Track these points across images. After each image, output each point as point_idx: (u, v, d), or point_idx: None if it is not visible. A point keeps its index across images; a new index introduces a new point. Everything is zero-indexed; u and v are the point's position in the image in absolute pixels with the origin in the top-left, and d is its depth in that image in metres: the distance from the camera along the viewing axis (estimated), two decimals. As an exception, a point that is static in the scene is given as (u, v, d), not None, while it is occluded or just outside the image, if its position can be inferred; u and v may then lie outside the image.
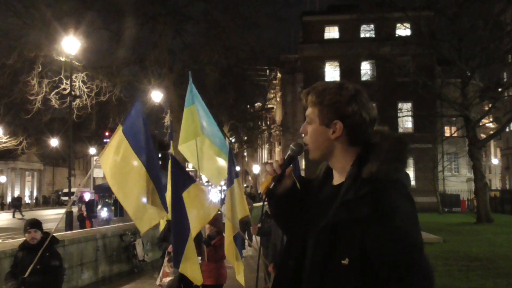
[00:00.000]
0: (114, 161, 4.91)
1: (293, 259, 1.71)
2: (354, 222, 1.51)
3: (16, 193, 59.85)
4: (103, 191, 31.21)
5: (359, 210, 1.51)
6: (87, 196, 28.17)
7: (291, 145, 1.82)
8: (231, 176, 5.77)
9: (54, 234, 5.24)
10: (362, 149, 1.67)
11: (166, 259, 6.78)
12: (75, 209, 21.71)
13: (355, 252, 1.50)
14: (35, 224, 5.17)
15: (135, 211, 4.91)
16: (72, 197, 21.95)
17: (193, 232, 4.94)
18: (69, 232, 13.50)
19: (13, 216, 34.28)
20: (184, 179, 5.05)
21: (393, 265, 1.47)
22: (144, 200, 4.82)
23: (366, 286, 1.48)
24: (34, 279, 4.81)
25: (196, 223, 4.89)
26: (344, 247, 1.52)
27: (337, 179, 1.72)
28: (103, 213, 23.46)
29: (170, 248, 6.36)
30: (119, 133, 4.93)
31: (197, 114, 5.76)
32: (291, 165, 1.80)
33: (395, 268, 1.46)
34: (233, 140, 44.33)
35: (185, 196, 4.84)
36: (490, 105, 29.07)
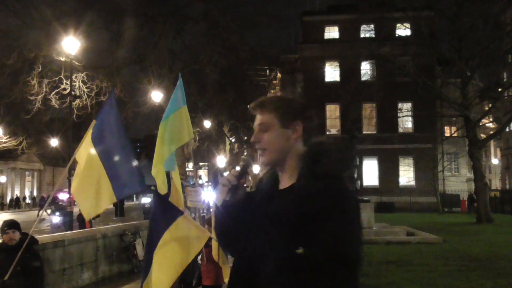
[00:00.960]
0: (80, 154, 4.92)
1: (245, 271, 1.80)
2: (312, 214, 1.64)
3: (16, 193, 59.87)
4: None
5: (319, 203, 1.65)
6: (63, 197, 27.31)
7: (242, 157, 1.93)
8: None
9: (57, 235, 5.19)
10: (311, 150, 1.83)
11: None
12: (76, 209, 21.69)
13: (309, 241, 1.62)
14: (13, 224, 5.02)
15: (84, 197, 4.87)
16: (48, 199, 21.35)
17: (184, 264, 4.59)
18: (69, 232, 13.51)
19: (38, 216, 33.91)
20: (171, 212, 4.80)
21: (345, 257, 1.61)
22: (94, 187, 4.79)
23: (316, 275, 1.59)
24: (15, 281, 4.65)
25: (186, 254, 4.63)
26: (300, 237, 1.63)
27: (286, 182, 1.84)
28: (55, 218, 20.83)
29: None
30: (91, 127, 4.94)
31: (188, 115, 5.71)
32: (244, 177, 1.87)
33: (346, 259, 1.61)
34: (233, 140, 44.30)
35: (172, 229, 4.63)
36: (490, 105, 29.07)
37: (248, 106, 1.95)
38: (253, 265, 1.76)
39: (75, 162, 5.23)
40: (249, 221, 1.82)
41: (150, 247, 4.66)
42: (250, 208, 1.85)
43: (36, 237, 5.26)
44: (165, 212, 4.66)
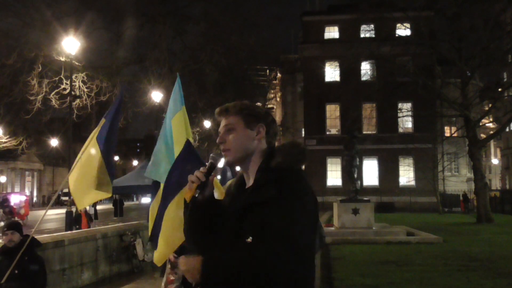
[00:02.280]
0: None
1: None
2: (261, 203, 1.73)
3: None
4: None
5: (267, 192, 1.74)
6: (15, 199, 26.83)
7: (211, 155, 2.02)
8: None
9: (56, 234, 5.17)
10: (269, 147, 1.96)
11: (168, 266, 6.73)
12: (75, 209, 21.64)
13: (257, 230, 1.69)
14: (13, 225, 4.92)
15: (79, 187, 4.88)
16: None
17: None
18: (69, 232, 13.52)
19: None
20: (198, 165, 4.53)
21: (289, 244, 1.64)
22: (91, 179, 4.80)
23: (265, 263, 1.63)
24: (11, 285, 4.50)
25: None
26: (249, 226, 1.72)
27: (250, 181, 1.93)
28: None
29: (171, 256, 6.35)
30: (100, 126, 5.01)
31: (186, 116, 5.68)
32: (212, 173, 1.96)
33: (290, 246, 1.63)
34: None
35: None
36: (490, 105, 29.06)
37: (215, 112, 2.05)
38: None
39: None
40: (215, 220, 1.89)
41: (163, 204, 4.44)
42: (217, 207, 1.93)
43: (36, 237, 5.20)
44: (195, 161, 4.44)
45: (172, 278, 6.52)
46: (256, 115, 1.96)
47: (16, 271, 4.55)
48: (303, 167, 1.98)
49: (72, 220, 17.24)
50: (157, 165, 5.02)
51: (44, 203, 58.80)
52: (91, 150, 4.91)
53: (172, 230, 4.32)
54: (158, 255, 4.54)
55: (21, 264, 4.59)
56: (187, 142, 4.68)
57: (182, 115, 5.45)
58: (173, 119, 5.33)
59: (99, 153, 4.85)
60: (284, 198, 1.71)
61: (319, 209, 1.87)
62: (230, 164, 2.01)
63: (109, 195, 5.09)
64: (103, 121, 5.01)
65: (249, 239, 1.70)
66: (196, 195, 1.91)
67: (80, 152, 4.99)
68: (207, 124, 33.25)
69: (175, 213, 4.30)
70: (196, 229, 1.94)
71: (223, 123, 1.99)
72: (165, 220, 4.39)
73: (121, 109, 5.26)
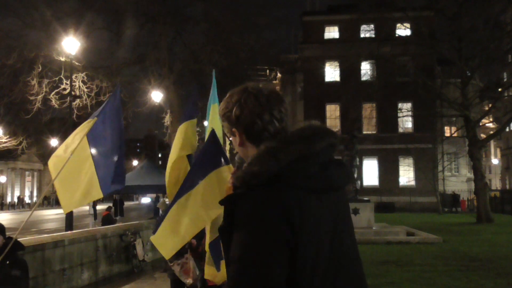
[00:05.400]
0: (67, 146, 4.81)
1: None
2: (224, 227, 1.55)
3: (16, 193, 59.89)
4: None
5: (223, 220, 1.55)
6: None
7: (236, 159, 1.92)
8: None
9: (57, 234, 5.06)
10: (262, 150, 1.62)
11: (178, 269, 6.67)
12: (75, 209, 21.63)
13: (226, 252, 1.55)
14: None
15: (66, 190, 4.70)
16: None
17: (208, 219, 4.18)
18: (69, 232, 13.51)
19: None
20: (220, 157, 4.36)
21: (229, 267, 1.48)
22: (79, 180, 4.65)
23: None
24: None
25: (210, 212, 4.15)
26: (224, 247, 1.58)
27: None
28: None
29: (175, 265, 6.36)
30: (89, 127, 4.84)
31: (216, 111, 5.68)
32: None
33: (230, 270, 1.48)
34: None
35: (212, 176, 4.22)
36: (490, 105, 29.06)
37: None
38: None
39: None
40: None
41: (178, 194, 4.30)
42: None
43: (36, 237, 5.08)
44: (213, 157, 4.36)
45: (191, 263, 6.44)
46: (226, 119, 1.69)
47: None
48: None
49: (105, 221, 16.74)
50: None
51: (44, 203, 58.80)
52: (81, 151, 4.72)
53: (185, 220, 4.23)
54: (166, 247, 4.37)
55: (3, 269, 4.33)
56: (212, 132, 4.60)
57: (212, 109, 5.54)
58: (212, 107, 5.47)
59: (90, 156, 4.69)
60: (234, 228, 1.48)
61: (295, 225, 1.46)
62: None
63: (100, 196, 4.91)
64: (94, 119, 4.85)
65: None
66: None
67: (67, 152, 4.78)
68: (207, 124, 33.20)
69: (192, 205, 4.21)
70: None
71: None
72: (177, 209, 4.26)
73: (120, 109, 5.14)
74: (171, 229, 4.29)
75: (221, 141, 5.05)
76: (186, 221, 4.25)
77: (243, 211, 1.46)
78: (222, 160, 4.39)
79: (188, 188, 4.29)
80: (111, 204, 22.13)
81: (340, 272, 1.55)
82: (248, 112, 1.63)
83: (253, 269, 1.41)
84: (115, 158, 4.86)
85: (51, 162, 4.88)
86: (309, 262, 1.47)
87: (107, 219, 16.96)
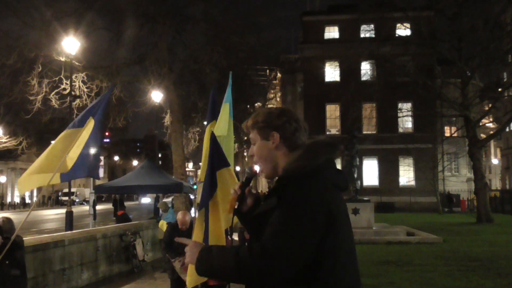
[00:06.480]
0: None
1: None
2: (267, 211, 1.85)
3: (16, 193, 59.87)
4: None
5: (270, 202, 1.87)
6: None
7: (246, 169, 2.14)
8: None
9: (59, 234, 5.02)
10: (293, 150, 2.00)
11: (178, 266, 6.67)
12: (75, 209, 21.67)
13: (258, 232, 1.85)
14: None
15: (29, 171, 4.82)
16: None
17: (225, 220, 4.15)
18: (69, 232, 13.51)
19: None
20: (220, 159, 4.56)
21: (260, 249, 1.71)
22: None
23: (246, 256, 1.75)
24: None
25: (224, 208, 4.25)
26: (263, 231, 1.81)
27: None
28: None
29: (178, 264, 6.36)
30: (89, 128, 4.86)
31: (226, 111, 5.62)
32: (250, 185, 2.13)
33: (260, 251, 1.71)
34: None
35: (218, 175, 4.44)
36: (490, 105, 29.07)
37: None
38: None
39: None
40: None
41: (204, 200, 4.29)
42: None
43: (36, 237, 5.06)
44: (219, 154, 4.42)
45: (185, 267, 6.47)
46: (267, 125, 2.02)
47: None
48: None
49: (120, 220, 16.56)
50: None
51: (44, 203, 58.79)
52: (71, 148, 4.80)
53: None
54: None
55: (1, 269, 4.32)
56: (212, 136, 4.52)
57: (223, 108, 5.52)
58: (222, 107, 5.46)
59: (77, 154, 4.73)
60: (281, 207, 1.79)
61: (333, 213, 1.81)
62: (267, 177, 2.13)
63: (57, 182, 5.03)
64: (91, 122, 4.85)
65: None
66: (236, 207, 2.08)
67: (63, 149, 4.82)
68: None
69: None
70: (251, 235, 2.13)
71: (250, 136, 2.14)
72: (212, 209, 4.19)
73: (107, 105, 5.12)
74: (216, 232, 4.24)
75: (230, 145, 5.08)
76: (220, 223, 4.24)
77: (292, 195, 1.78)
78: (223, 162, 4.44)
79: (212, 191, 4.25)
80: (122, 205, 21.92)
81: (356, 261, 1.90)
82: (293, 122, 2.01)
83: (293, 242, 1.71)
84: (93, 151, 4.86)
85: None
86: (343, 248, 1.81)
87: (123, 217, 16.79)
